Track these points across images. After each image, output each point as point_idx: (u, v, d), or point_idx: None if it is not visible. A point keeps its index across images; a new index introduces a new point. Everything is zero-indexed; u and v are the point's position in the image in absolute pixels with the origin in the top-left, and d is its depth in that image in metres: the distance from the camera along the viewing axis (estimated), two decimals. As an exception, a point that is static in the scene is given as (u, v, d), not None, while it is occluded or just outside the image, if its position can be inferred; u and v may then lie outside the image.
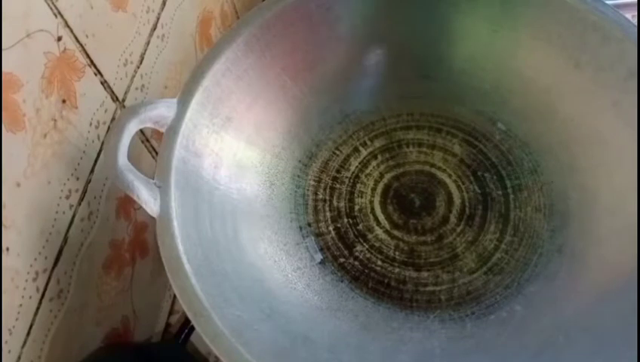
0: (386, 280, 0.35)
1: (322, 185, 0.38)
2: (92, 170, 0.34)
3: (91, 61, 0.34)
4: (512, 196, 0.37)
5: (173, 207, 0.29)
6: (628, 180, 0.33)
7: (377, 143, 0.40)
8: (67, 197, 0.32)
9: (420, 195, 0.38)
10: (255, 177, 0.37)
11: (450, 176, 0.38)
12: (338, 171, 0.39)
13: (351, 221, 0.37)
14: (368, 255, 0.36)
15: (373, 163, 0.39)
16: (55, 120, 0.30)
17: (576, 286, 0.33)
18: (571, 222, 0.35)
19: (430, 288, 0.35)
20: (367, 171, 0.39)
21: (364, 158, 0.39)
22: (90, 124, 0.34)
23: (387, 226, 0.37)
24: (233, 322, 0.27)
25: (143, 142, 0.40)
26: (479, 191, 0.38)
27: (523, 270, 0.35)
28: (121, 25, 0.37)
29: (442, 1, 0.39)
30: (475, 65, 0.39)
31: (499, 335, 0.32)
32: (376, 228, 0.37)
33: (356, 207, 0.38)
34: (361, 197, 0.38)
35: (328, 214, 0.37)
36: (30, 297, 0.29)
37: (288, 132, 0.39)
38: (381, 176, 0.39)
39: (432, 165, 0.39)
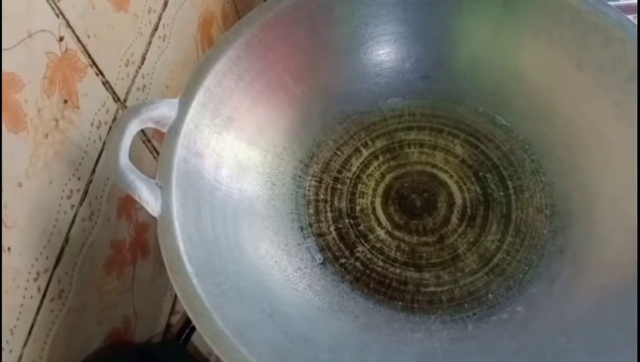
0: (387, 281, 0.35)
1: (323, 185, 0.38)
2: (93, 170, 0.34)
3: (93, 61, 0.34)
4: (513, 197, 0.37)
5: (174, 207, 0.29)
6: (630, 181, 0.33)
7: (379, 144, 0.40)
8: (68, 197, 0.32)
9: (422, 196, 0.38)
10: (256, 177, 0.37)
11: (451, 176, 0.38)
12: (339, 171, 0.39)
13: (352, 221, 0.37)
14: (369, 255, 0.36)
15: (375, 163, 0.39)
16: (57, 120, 0.31)
17: (577, 287, 0.33)
18: (573, 223, 0.35)
19: (431, 289, 0.35)
20: (369, 172, 0.39)
21: (366, 159, 0.39)
22: (92, 124, 0.34)
23: (388, 227, 0.37)
24: (234, 322, 0.27)
25: (144, 142, 0.40)
26: (481, 192, 0.37)
27: (524, 271, 0.35)
28: (123, 25, 0.37)
29: (444, 2, 0.39)
30: (477, 65, 0.39)
31: (500, 336, 0.32)
32: (378, 228, 0.37)
33: (357, 208, 0.38)
34: (363, 197, 0.38)
35: (329, 214, 0.37)
36: (31, 297, 0.29)
37: (289, 132, 0.39)
38: (382, 176, 0.39)
39: (434, 166, 0.39)
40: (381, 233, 0.37)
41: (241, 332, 0.27)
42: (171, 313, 0.45)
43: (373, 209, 0.37)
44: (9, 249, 0.27)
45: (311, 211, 0.37)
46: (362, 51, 0.40)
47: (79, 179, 0.33)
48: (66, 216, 0.32)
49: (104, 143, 0.35)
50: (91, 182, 0.34)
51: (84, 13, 0.32)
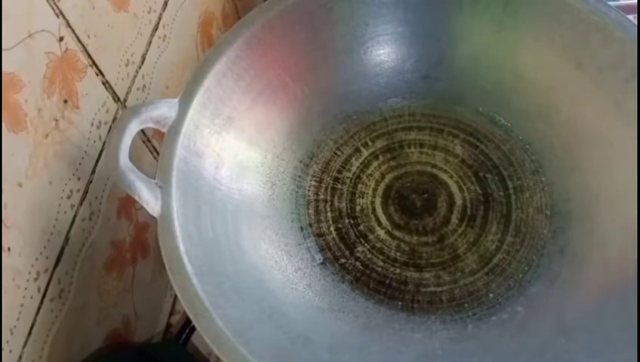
0: (387, 281, 0.35)
1: (323, 185, 0.38)
2: (93, 170, 0.34)
3: (93, 61, 0.34)
4: (513, 197, 0.37)
5: (174, 207, 0.29)
6: (630, 181, 0.33)
7: (379, 144, 0.40)
8: (68, 197, 0.32)
9: (422, 196, 0.38)
10: (256, 177, 0.37)
11: (451, 176, 0.38)
12: (339, 171, 0.39)
13: (352, 221, 0.37)
14: (369, 255, 0.36)
15: (375, 163, 0.39)
16: (57, 120, 0.31)
17: (577, 287, 0.33)
18: (573, 223, 0.35)
19: (431, 289, 0.35)
20: (369, 172, 0.39)
21: (366, 159, 0.39)
22: (92, 124, 0.34)
23: (388, 227, 0.37)
24: (234, 322, 0.27)
25: (144, 142, 0.40)
26: (481, 192, 0.37)
27: (524, 271, 0.35)
28: (123, 25, 0.37)
29: (444, 2, 0.39)
30: (477, 65, 0.39)
31: (500, 337, 0.32)
32: (378, 228, 0.37)
33: (357, 208, 0.38)
34: (363, 197, 0.38)
35: (329, 214, 0.37)
36: (31, 297, 0.29)
37: (289, 132, 0.39)
38: (382, 176, 0.39)
39: (434, 166, 0.39)
40: (381, 233, 0.37)
41: (241, 332, 0.27)
42: (171, 313, 0.45)
43: (373, 209, 0.37)
44: (9, 249, 0.27)
45: (311, 211, 0.37)
46: (362, 51, 0.40)
47: (79, 179, 0.33)
48: (66, 216, 0.32)
49: (104, 143, 0.35)
50: (91, 182, 0.34)
51: (84, 13, 0.32)
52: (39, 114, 0.29)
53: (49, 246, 0.30)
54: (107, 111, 0.35)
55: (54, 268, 0.31)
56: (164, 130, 0.32)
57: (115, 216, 0.37)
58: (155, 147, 0.42)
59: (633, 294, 0.29)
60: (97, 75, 0.34)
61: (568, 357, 0.29)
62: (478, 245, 0.36)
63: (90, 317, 0.34)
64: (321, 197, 0.38)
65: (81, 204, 0.33)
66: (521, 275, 0.34)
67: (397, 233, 0.37)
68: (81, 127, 0.33)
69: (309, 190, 0.38)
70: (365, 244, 0.36)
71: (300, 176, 0.38)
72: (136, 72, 0.39)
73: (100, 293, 0.35)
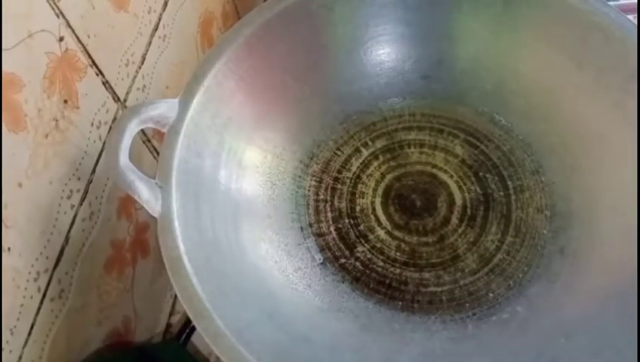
0: (387, 281, 0.35)
1: (323, 185, 0.38)
2: (93, 170, 0.34)
3: (93, 61, 0.34)
4: (513, 197, 0.37)
5: (174, 207, 0.29)
6: (630, 181, 0.33)
7: (379, 144, 0.40)
8: (68, 198, 0.32)
9: (422, 196, 0.38)
10: (256, 177, 0.37)
11: (451, 176, 0.38)
12: (339, 172, 0.39)
13: (352, 221, 0.37)
14: (369, 255, 0.36)
15: (375, 163, 0.39)
16: (57, 120, 0.31)
17: (577, 287, 0.33)
18: (573, 223, 0.35)
19: (432, 289, 0.35)
20: (369, 172, 0.39)
21: (366, 159, 0.39)
22: (92, 124, 0.34)
23: (388, 227, 0.37)
24: (234, 322, 0.27)
25: (144, 142, 0.40)
26: (481, 192, 0.37)
27: (525, 271, 0.35)
28: (123, 25, 0.37)
29: (444, 2, 0.39)
30: (477, 65, 0.39)
31: (500, 337, 0.32)
32: (378, 228, 0.37)
33: (357, 208, 0.38)
34: (363, 197, 0.38)
35: (329, 215, 0.37)
36: (31, 297, 0.29)
37: (289, 132, 0.39)
38: (382, 176, 0.39)
39: (434, 166, 0.39)
40: (381, 233, 0.37)
41: (241, 332, 0.27)
42: (171, 313, 0.45)
43: (373, 209, 0.37)
44: (9, 249, 0.27)
45: (311, 211, 0.37)
46: (362, 51, 0.40)
47: (79, 179, 0.33)
48: (66, 216, 0.32)
49: (104, 143, 0.35)
50: (91, 182, 0.34)
51: (84, 13, 0.32)
52: (39, 114, 0.29)
53: (49, 246, 0.30)
54: (107, 111, 0.35)
55: (54, 268, 0.31)
56: (164, 130, 0.32)
57: (115, 216, 0.37)
58: (155, 147, 0.42)
59: (633, 294, 0.29)
60: (97, 75, 0.34)
61: (568, 357, 0.29)
62: (478, 245, 0.36)
63: (90, 317, 0.34)
64: (321, 197, 0.38)
65: (81, 203, 0.33)
66: (521, 275, 0.34)
67: (397, 233, 0.37)
68: (81, 127, 0.33)
69: (309, 190, 0.38)
70: (365, 244, 0.36)
71: (300, 176, 0.38)
72: (136, 72, 0.39)
73: (100, 293, 0.35)
